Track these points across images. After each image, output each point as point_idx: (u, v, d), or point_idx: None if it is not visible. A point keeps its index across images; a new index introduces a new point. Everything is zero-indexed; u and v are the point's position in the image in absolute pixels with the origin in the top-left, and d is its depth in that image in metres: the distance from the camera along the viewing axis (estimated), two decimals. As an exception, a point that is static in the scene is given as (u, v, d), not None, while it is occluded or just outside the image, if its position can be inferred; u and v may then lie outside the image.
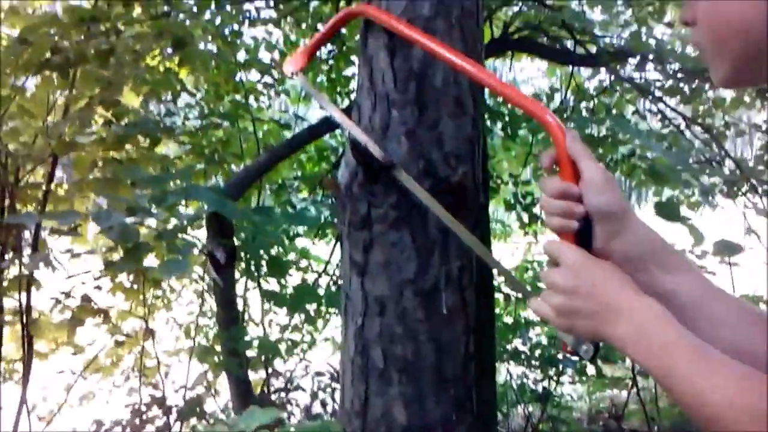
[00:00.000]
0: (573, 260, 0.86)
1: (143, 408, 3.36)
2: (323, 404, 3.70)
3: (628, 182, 4.63)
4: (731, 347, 0.82)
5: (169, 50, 3.51)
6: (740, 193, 3.20)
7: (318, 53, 4.08)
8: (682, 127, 3.81)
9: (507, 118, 4.08)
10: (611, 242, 0.88)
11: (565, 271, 0.86)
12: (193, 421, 3.49)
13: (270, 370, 3.25)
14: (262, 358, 3.06)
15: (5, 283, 3.24)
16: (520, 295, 4.54)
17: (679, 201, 4.10)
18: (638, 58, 3.07)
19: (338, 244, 3.60)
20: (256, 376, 3.22)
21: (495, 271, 3.07)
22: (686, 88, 3.59)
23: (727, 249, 2.00)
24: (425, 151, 1.52)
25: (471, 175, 1.56)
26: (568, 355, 0.91)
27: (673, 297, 0.86)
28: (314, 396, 3.69)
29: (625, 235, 0.88)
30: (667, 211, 1.87)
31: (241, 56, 4.14)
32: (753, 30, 0.76)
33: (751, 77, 0.83)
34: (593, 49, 3.63)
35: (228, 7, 3.66)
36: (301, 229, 3.88)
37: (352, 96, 4.53)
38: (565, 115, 3.78)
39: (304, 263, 3.98)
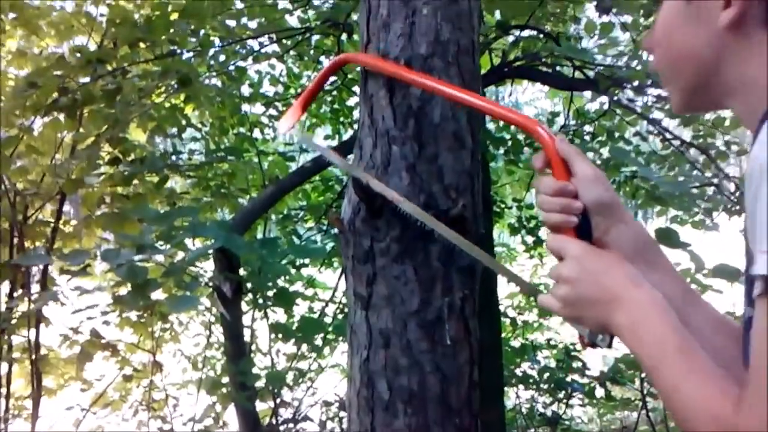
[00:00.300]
0: (576, 251, 0.89)
1: (153, 442, 3.36)
2: (332, 434, 3.69)
3: (632, 203, 4.65)
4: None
5: (175, 87, 3.58)
6: (741, 213, 3.21)
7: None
8: (682, 148, 3.84)
9: (509, 143, 4.12)
10: (607, 236, 0.92)
11: (569, 262, 0.89)
12: (203, 454, 3.49)
13: (278, 401, 3.26)
14: (270, 388, 3.07)
15: (14, 321, 3.27)
16: (527, 319, 4.56)
17: (684, 220, 4.13)
18: (636, 83, 3.11)
19: (344, 274, 3.61)
20: (264, 406, 3.22)
21: (500, 294, 3.07)
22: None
23: (725, 274, 2.02)
24: (425, 185, 1.55)
25: (471, 206, 1.59)
26: (586, 347, 0.94)
27: None
28: (323, 426, 3.68)
29: (620, 229, 0.92)
30: (667, 237, 1.90)
31: (245, 90, 4.21)
32: (702, 58, 0.81)
33: (703, 103, 0.88)
34: (591, 74, 3.68)
35: (231, 43, 3.73)
36: (307, 259, 3.91)
37: (356, 126, 4.60)
38: (567, 138, 3.80)
39: (310, 292, 4.00)
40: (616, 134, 4.24)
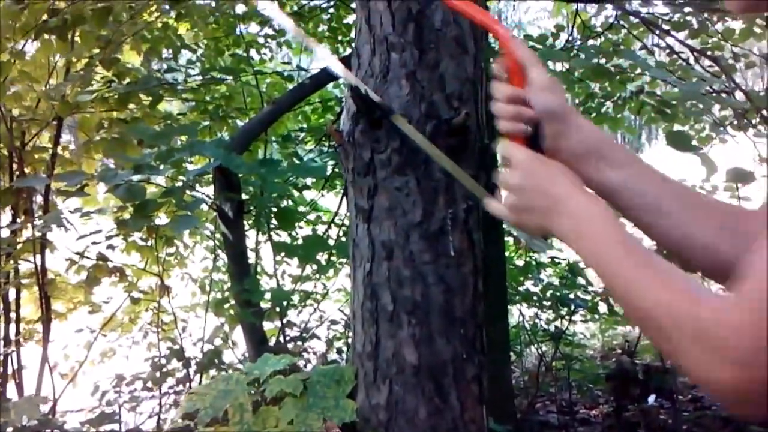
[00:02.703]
0: (522, 160, 0.89)
1: (163, 361, 3.43)
2: (339, 352, 3.76)
3: (637, 120, 4.58)
4: (675, 233, 0.89)
5: (167, 6, 3.47)
6: (751, 125, 3.16)
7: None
8: (691, 60, 3.74)
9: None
10: (558, 141, 0.92)
11: (516, 170, 0.90)
12: (212, 372, 3.57)
13: (285, 321, 3.30)
14: (277, 308, 3.11)
15: (19, 246, 3.28)
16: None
17: (690, 136, 4.07)
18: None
19: (344, 188, 3.60)
20: (271, 326, 3.27)
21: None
22: (694, 21, 3.51)
23: (739, 177, 1.98)
24: (426, 93, 1.51)
25: (474, 116, 1.55)
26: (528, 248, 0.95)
27: (619, 190, 0.92)
28: (329, 344, 3.75)
29: (570, 133, 0.92)
30: (679, 141, 1.85)
31: (240, 9, 4.08)
32: None
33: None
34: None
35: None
36: (309, 180, 3.88)
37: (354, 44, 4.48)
38: (572, 54, 3.71)
39: (313, 216, 4.00)
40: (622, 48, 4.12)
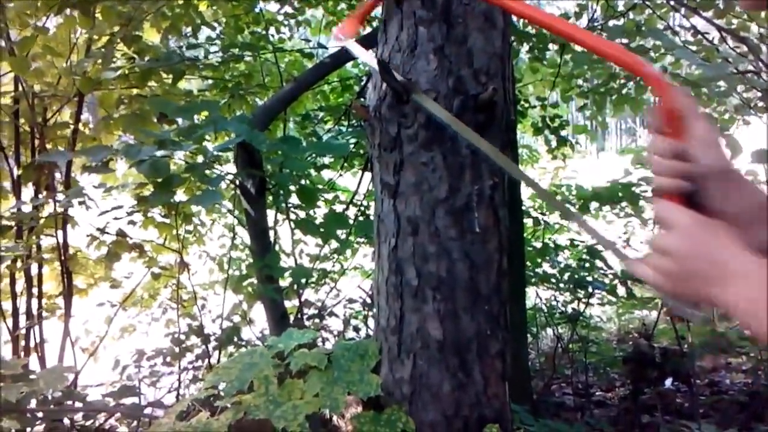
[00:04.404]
0: (687, 224, 0.82)
1: (182, 337, 3.46)
2: (356, 330, 3.78)
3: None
4: None
5: (187, -19, 3.46)
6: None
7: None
8: (716, 41, 3.68)
9: (534, 39, 3.98)
10: (724, 201, 0.85)
11: (677, 234, 0.82)
12: (231, 348, 3.60)
13: (302, 299, 3.32)
14: (295, 286, 3.12)
15: (41, 222, 3.31)
16: (549, 219, 4.54)
17: (714, 119, 4.01)
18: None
19: (365, 174, 3.59)
20: (289, 304, 3.29)
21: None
22: (719, 1, 3.45)
23: (763, 157, 1.96)
24: (454, 68, 1.50)
25: (501, 91, 1.53)
26: (674, 320, 0.88)
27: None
28: (347, 322, 3.77)
29: (737, 194, 0.86)
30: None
31: (260, -14, 4.06)
32: None
33: None
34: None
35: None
36: (327, 159, 3.88)
37: (374, 23, 4.45)
38: (595, 33, 3.66)
39: (330, 196, 4.00)
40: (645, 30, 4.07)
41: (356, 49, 1.53)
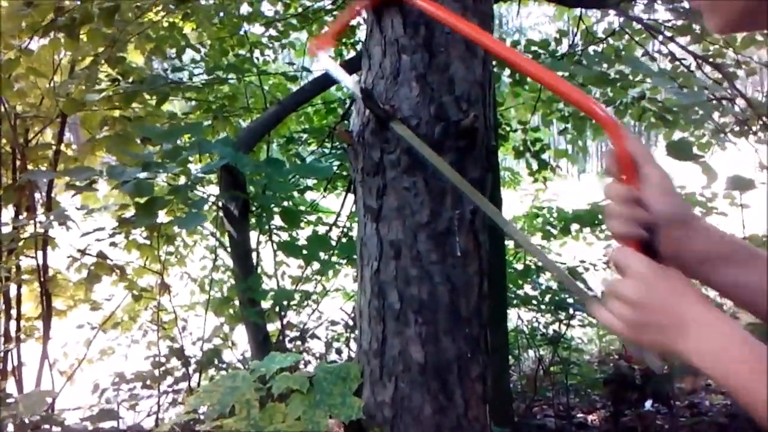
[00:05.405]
0: (643, 271, 0.82)
1: (162, 360, 3.43)
2: (338, 352, 3.77)
3: (638, 126, 4.60)
4: None
5: (172, 6, 3.48)
6: (752, 132, 3.18)
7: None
8: (693, 67, 3.76)
9: (514, 65, 4.02)
10: (680, 247, 0.86)
11: (635, 283, 0.82)
12: (212, 371, 3.58)
13: (285, 321, 3.31)
14: (277, 308, 3.12)
15: (21, 243, 3.28)
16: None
17: (690, 143, 4.09)
18: (647, -2, 3.02)
19: (348, 196, 3.61)
20: (271, 327, 3.28)
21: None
22: (696, 28, 3.54)
23: (739, 184, 2.00)
24: (436, 95, 1.52)
25: (482, 117, 1.56)
26: (635, 366, 0.89)
27: (742, 290, 0.87)
28: (329, 344, 3.76)
29: (694, 238, 0.87)
30: (679, 150, 1.87)
31: (245, 9, 4.10)
32: None
33: (747, 25, 0.78)
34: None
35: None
36: (310, 181, 3.89)
37: (358, 47, 4.50)
38: (574, 59, 3.73)
39: (313, 217, 4.01)
40: (624, 54, 4.15)
41: (340, 74, 1.56)
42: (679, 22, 3.43)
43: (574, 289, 1.18)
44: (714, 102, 2.53)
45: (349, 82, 1.55)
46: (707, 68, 3.75)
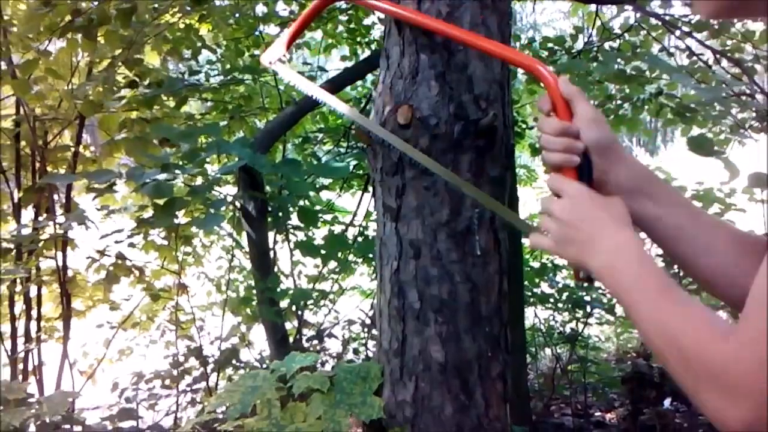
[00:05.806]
0: (573, 193, 0.91)
1: (181, 359, 3.46)
2: (355, 352, 3.78)
3: (655, 122, 4.57)
4: (717, 273, 0.90)
5: (188, 7, 3.50)
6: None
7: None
8: (711, 62, 3.73)
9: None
10: (606, 174, 0.94)
11: (563, 202, 0.91)
12: (229, 370, 3.60)
13: (302, 320, 3.32)
14: (293, 308, 3.13)
15: (41, 244, 3.32)
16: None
17: (708, 139, 4.04)
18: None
19: (364, 195, 3.61)
20: (288, 326, 3.29)
21: (521, 214, 3.06)
22: (714, 22, 3.50)
23: (761, 181, 1.98)
24: (455, 95, 1.52)
25: (501, 116, 1.56)
26: (580, 281, 0.97)
27: (657, 224, 0.94)
28: (346, 344, 3.76)
29: (618, 167, 0.94)
30: (701, 145, 1.85)
31: (260, 10, 4.11)
32: None
33: (737, 10, 0.80)
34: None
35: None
36: (326, 181, 3.90)
37: (373, 46, 4.50)
38: (591, 55, 3.71)
39: (329, 217, 4.02)
40: (640, 50, 4.11)
41: (302, 83, 1.56)
42: (696, 17, 3.39)
43: (515, 222, 1.25)
44: (733, 97, 2.51)
45: (314, 90, 1.55)
46: (725, 63, 3.71)
